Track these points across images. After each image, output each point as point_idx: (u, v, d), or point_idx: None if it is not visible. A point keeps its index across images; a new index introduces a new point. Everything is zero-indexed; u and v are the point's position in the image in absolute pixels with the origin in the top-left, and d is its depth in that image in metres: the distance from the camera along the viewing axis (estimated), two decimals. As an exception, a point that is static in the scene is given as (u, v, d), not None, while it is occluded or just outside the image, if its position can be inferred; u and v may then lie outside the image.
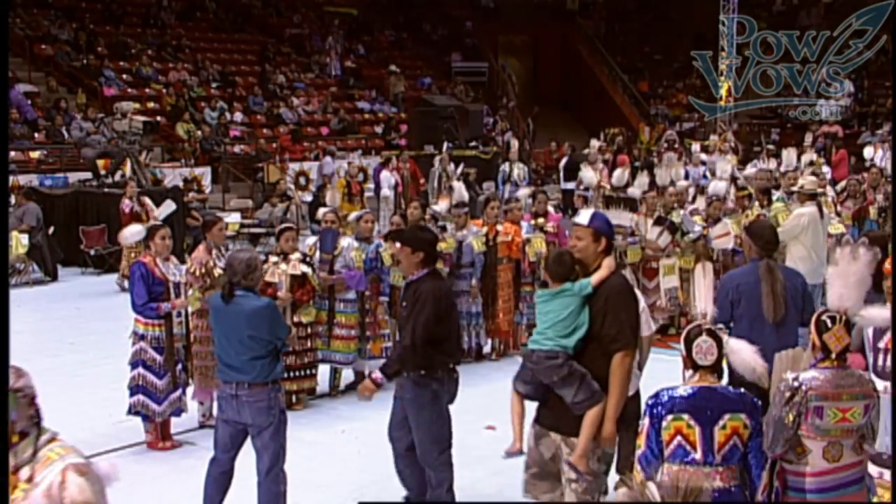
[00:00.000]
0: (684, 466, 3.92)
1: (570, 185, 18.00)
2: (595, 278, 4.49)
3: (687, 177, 15.04)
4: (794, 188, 10.28)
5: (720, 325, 4.40)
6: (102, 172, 15.88)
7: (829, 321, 4.15)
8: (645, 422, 4.04)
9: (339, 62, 27.01)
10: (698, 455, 3.93)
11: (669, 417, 3.97)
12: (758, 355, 4.20)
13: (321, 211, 9.16)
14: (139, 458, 7.03)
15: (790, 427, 4.06)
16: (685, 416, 3.93)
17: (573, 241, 4.63)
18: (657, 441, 3.99)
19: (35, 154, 18.03)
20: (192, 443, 7.26)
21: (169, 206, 9.43)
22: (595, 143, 18.55)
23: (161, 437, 7.21)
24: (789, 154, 15.16)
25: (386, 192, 17.66)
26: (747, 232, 6.10)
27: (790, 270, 5.95)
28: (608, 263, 4.51)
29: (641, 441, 4.05)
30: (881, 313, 4.19)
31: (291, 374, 7.87)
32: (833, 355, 4.14)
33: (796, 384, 4.11)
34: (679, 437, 3.95)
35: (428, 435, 5.47)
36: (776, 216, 11.01)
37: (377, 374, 5.33)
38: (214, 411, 6.39)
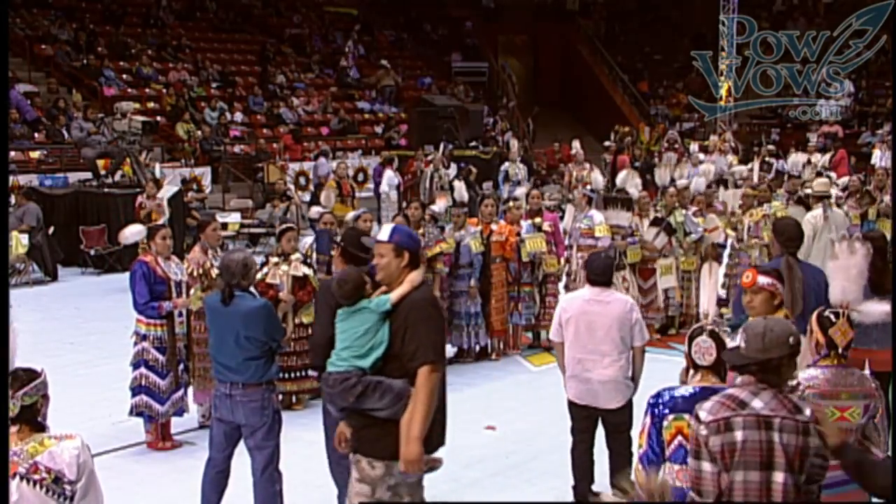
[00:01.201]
0: (685, 467, 3.92)
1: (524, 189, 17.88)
2: (395, 294, 4.29)
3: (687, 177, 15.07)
4: (807, 190, 10.38)
5: (726, 329, 4.39)
6: (102, 172, 15.90)
7: (832, 316, 4.15)
8: (647, 421, 4.04)
9: (356, 66, 27.02)
10: (700, 455, 3.93)
11: (671, 417, 3.97)
12: None
13: (314, 210, 9.14)
14: (139, 458, 7.04)
15: None
16: (686, 417, 3.92)
17: (376, 258, 4.44)
18: (658, 441, 3.99)
19: (35, 154, 18.03)
20: (192, 443, 7.27)
21: (172, 188, 9.18)
22: (577, 143, 18.57)
23: (161, 437, 7.21)
24: (796, 157, 15.28)
25: (391, 191, 17.66)
26: (773, 229, 6.21)
27: (812, 267, 5.96)
28: (411, 278, 4.31)
29: (643, 440, 4.05)
30: (878, 308, 4.20)
31: (291, 374, 7.88)
32: (840, 350, 4.15)
33: (793, 382, 4.11)
34: (680, 437, 3.95)
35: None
36: (775, 214, 11.08)
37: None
38: (214, 411, 6.39)
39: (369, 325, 4.28)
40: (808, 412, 3.44)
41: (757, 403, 3.40)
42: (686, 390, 4.01)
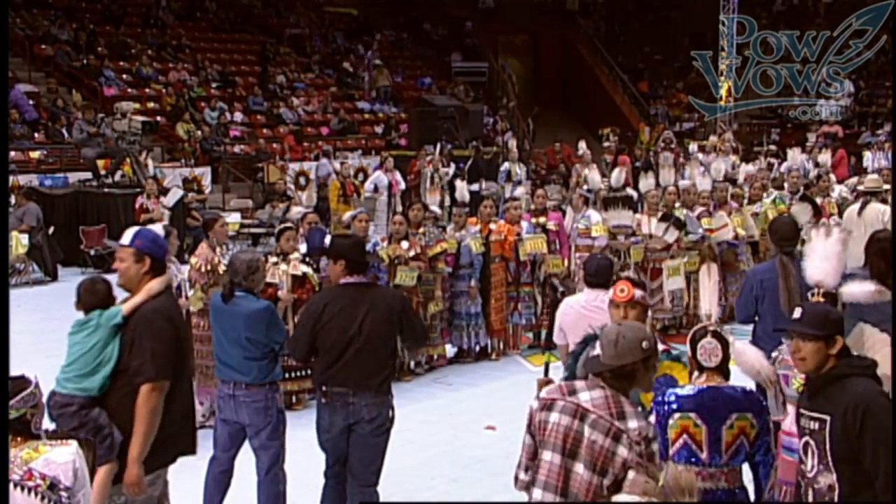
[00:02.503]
0: (689, 466, 3.91)
1: (475, 187, 17.74)
2: (127, 305, 4.10)
3: (685, 177, 15.06)
4: (860, 187, 10.36)
5: (726, 328, 4.41)
6: (102, 172, 15.88)
7: (808, 295, 4.26)
8: (651, 419, 4.04)
9: (357, 65, 26.98)
10: (704, 455, 3.93)
11: (676, 416, 3.97)
12: (763, 358, 4.22)
13: (296, 210, 9.11)
14: (139, 458, 7.02)
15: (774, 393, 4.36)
16: (692, 415, 3.93)
17: (117, 262, 4.31)
18: (663, 439, 3.98)
19: (35, 154, 18.00)
20: (192, 443, 7.25)
21: (176, 193, 9.28)
22: (583, 144, 18.61)
23: (161, 436, 7.20)
24: (793, 154, 15.31)
25: (382, 193, 17.61)
26: (768, 228, 6.27)
27: None
28: (149, 287, 4.15)
29: None
30: (861, 287, 4.22)
31: (292, 374, 7.87)
32: None
33: (776, 354, 4.39)
34: (685, 436, 3.95)
35: None
36: (766, 212, 11.07)
37: None
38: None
39: (97, 340, 4.07)
40: (632, 424, 3.42)
41: (584, 396, 3.50)
42: (691, 389, 4.02)
